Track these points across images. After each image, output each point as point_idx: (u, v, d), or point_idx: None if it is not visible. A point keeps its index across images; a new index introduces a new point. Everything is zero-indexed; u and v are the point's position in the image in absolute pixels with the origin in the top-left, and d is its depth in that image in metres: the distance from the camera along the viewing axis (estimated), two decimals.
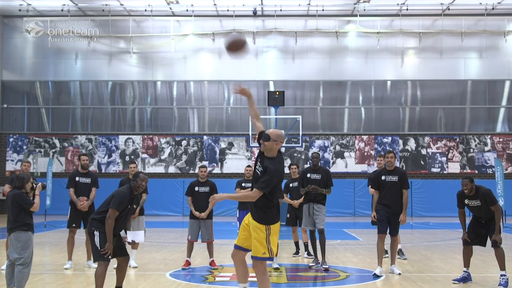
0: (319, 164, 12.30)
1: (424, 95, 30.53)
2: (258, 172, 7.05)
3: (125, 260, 8.69)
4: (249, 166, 13.48)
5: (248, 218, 7.18)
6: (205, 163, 29.50)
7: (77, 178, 11.96)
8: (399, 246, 13.10)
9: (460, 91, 30.54)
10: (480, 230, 10.38)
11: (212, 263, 11.83)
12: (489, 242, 10.32)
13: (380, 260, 11.02)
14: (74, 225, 11.83)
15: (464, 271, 10.37)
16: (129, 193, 8.54)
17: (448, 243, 17.24)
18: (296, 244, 13.89)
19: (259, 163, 7.11)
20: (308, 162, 29.28)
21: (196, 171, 29.50)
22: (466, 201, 10.26)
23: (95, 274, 8.33)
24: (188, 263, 11.77)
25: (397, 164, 29.61)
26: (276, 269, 11.49)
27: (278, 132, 7.25)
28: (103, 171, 29.98)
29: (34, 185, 8.90)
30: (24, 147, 30.64)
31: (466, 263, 10.43)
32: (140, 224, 11.87)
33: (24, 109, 31.25)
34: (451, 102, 30.45)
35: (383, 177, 11.23)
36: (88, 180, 12.03)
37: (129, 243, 8.92)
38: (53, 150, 30.51)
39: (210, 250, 11.95)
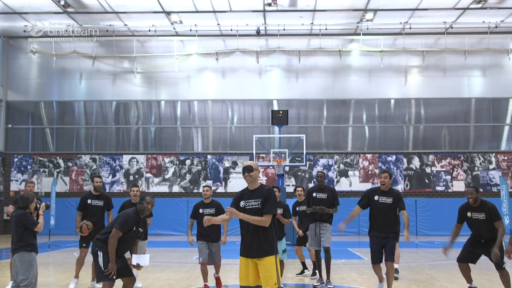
0: (324, 183, 12.17)
1: (428, 113, 30.53)
2: (256, 206, 7.19)
3: (131, 281, 8.63)
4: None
5: (252, 261, 7.13)
6: (209, 182, 29.47)
7: (89, 201, 11.66)
8: (396, 266, 12.96)
9: (464, 109, 30.53)
10: (479, 249, 10.18)
11: (217, 280, 11.37)
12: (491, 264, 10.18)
13: (381, 280, 10.65)
14: (84, 244, 11.58)
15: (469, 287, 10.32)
16: (134, 215, 8.48)
17: (454, 262, 17.04)
18: (303, 264, 13.75)
19: (250, 201, 7.25)
20: (312, 181, 29.22)
21: (200, 190, 29.50)
22: (469, 214, 10.02)
23: None
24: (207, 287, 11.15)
25: (401, 182, 29.55)
26: None
27: (254, 162, 7.64)
28: (107, 190, 29.93)
29: (38, 205, 8.87)
30: (29, 167, 30.68)
31: (468, 279, 10.38)
32: (142, 247, 11.43)
33: (29, 129, 31.34)
34: (455, 120, 30.43)
35: (376, 197, 10.27)
36: (100, 203, 11.73)
37: (134, 266, 8.84)
38: (58, 170, 30.53)
39: (217, 269, 11.54)
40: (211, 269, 11.60)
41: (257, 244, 7.07)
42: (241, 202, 7.28)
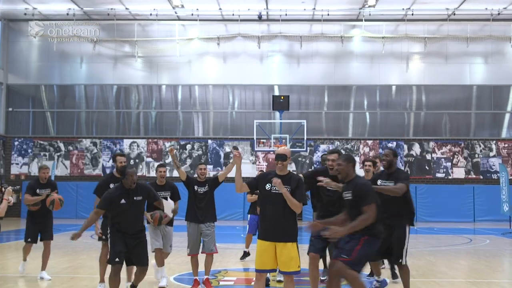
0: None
1: (429, 100, 30.48)
2: (288, 190, 7.09)
3: (142, 271, 8.53)
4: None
5: (271, 245, 7.11)
6: (210, 167, 29.45)
7: (111, 185, 9.11)
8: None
9: (465, 96, 30.48)
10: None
11: (206, 282, 9.77)
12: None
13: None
14: (104, 237, 9.57)
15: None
16: (116, 189, 8.36)
17: (453, 248, 17.19)
18: None
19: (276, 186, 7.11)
20: (313, 167, 29.24)
21: None
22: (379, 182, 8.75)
23: (109, 277, 8.34)
24: (197, 283, 9.78)
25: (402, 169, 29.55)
26: (280, 281, 10.26)
27: (288, 149, 7.49)
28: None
29: (4, 189, 8.68)
30: (29, 150, 30.69)
31: (378, 272, 9.87)
32: (169, 233, 10.36)
33: (29, 113, 31.31)
34: (456, 107, 30.40)
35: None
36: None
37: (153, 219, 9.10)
38: (58, 154, 30.54)
39: (208, 264, 9.86)
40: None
41: (282, 229, 7.05)
42: (267, 184, 7.16)
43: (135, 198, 8.29)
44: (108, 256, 8.40)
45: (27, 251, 11.05)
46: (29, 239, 10.92)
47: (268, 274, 7.76)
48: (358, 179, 7.27)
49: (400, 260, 8.10)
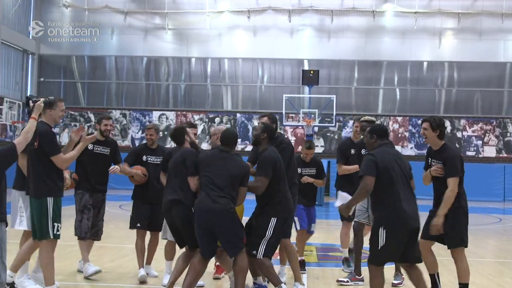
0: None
1: (461, 77, 30.06)
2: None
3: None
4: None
5: None
6: (238, 141, 29.45)
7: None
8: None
9: (499, 73, 29.99)
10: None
11: (218, 267, 8.12)
12: None
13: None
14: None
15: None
16: None
17: (482, 227, 17.02)
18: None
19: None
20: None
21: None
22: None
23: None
24: (220, 268, 8.09)
25: None
26: None
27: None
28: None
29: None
30: (60, 120, 30.94)
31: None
32: None
33: (61, 83, 31.59)
34: (488, 84, 29.94)
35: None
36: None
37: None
38: (88, 124, 30.81)
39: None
40: None
41: None
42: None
43: None
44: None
45: (141, 243, 8.12)
46: (138, 224, 8.16)
47: None
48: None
49: (254, 252, 6.70)
